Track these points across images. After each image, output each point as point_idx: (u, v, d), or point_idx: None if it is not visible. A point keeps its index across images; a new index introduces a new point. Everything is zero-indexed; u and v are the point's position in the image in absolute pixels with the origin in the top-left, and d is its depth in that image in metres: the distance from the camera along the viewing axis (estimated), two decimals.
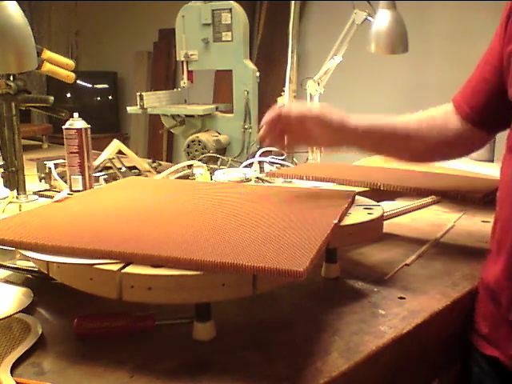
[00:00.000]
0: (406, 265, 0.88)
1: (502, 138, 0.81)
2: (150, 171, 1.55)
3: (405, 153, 0.92)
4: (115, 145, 1.53)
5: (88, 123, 1.20)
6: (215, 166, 1.53)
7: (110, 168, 1.47)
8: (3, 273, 0.80)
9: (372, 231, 0.81)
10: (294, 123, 0.85)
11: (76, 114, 1.20)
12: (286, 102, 1.82)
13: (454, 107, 0.88)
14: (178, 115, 1.88)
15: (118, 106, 4.75)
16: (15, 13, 0.98)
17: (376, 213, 0.81)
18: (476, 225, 1.10)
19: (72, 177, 1.20)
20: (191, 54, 1.84)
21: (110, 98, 4.78)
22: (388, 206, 1.14)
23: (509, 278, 0.72)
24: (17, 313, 0.67)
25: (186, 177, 1.40)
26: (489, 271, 0.77)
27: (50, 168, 1.38)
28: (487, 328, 0.76)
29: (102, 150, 1.53)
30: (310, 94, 1.70)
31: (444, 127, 0.88)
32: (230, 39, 1.80)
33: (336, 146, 0.89)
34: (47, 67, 1.30)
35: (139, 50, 4.54)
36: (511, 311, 0.71)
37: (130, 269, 0.58)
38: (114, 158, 1.49)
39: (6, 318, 0.66)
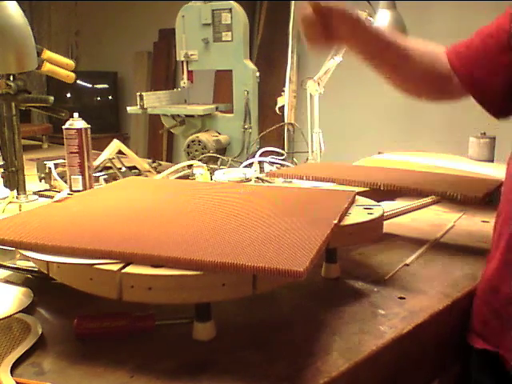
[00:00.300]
0: (406, 265, 0.88)
1: (502, 137, 0.81)
2: (150, 171, 1.55)
3: (400, 74, 0.91)
4: (115, 145, 1.53)
5: (88, 123, 1.20)
6: (215, 166, 1.53)
7: (110, 168, 1.46)
8: (3, 273, 0.80)
9: (372, 231, 0.81)
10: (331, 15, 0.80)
11: (76, 114, 1.20)
12: (286, 103, 1.83)
13: (449, 64, 0.86)
14: (178, 115, 1.88)
15: (118, 106, 4.75)
16: (15, 13, 0.98)
17: (376, 213, 0.81)
18: (476, 225, 1.10)
19: (72, 177, 1.20)
20: (191, 54, 1.84)
21: (110, 97, 4.78)
22: (388, 205, 1.14)
23: (506, 267, 0.72)
24: (17, 313, 0.67)
25: (186, 177, 1.40)
26: (489, 265, 0.77)
27: (50, 168, 1.38)
28: (481, 323, 0.76)
29: (102, 150, 1.53)
30: (310, 94, 1.70)
31: (442, 67, 0.87)
32: (230, 39, 1.80)
33: (350, 43, 0.86)
34: (47, 67, 1.30)
35: (139, 50, 4.54)
36: (508, 301, 0.72)
37: (130, 269, 0.58)
38: (114, 158, 1.49)
39: (5, 317, 0.66)
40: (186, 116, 1.87)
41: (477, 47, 0.84)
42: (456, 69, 0.85)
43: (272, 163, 1.52)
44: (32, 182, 1.40)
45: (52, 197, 1.27)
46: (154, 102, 1.91)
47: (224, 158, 1.64)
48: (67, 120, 1.20)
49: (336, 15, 0.81)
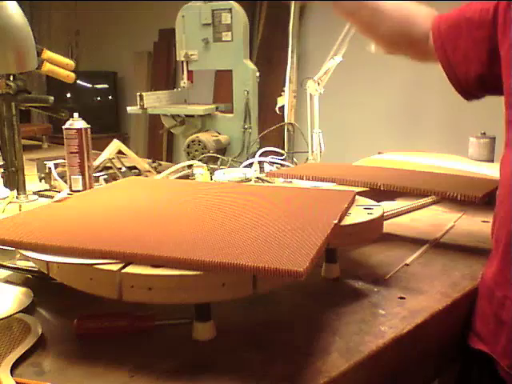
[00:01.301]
0: (406, 265, 0.88)
1: (502, 137, 0.81)
2: (149, 171, 1.55)
3: (372, 32, 0.94)
4: (115, 145, 1.53)
5: (88, 123, 1.20)
6: (215, 166, 1.53)
7: (110, 168, 1.47)
8: (3, 273, 0.80)
9: (372, 231, 0.81)
10: None
11: (76, 114, 1.20)
12: (286, 103, 1.83)
13: (431, 35, 0.87)
14: (178, 115, 1.88)
15: (118, 105, 4.75)
16: (15, 13, 0.98)
17: (376, 213, 0.81)
18: (476, 225, 1.10)
19: (72, 177, 1.20)
20: (191, 54, 1.84)
21: (110, 97, 4.78)
22: (388, 206, 1.14)
23: (504, 273, 0.72)
24: (17, 313, 0.67)
25: (186, 177, 1.40)
26: (488, 267, 0.77)
27: (49, 168, 1.38)
28: (479, 324, 0.76)
29: (102, 150, 1.53)
30: (310, 94, 1.70)
31: (419, 28, 0.88)
32: (229, 39, 1.80)
33: None
34: (47, 67, 1.30)
35: (139, 50, 4.54)
36: (501, 305, 0.72)
37: (130, 269, 0.58)
38: (114, 158, 1.49)
39: (6, 318, 0.66)
40: (186, 116, 1.87)
41: (456, 22, 0.83)
42: (435, 46, 0.86)
43: (272, 163, 1.52)
44: (32, 182, 1.40)
45: (52, 197, 1.27)
46: (154, 102, 1.91)
47: (224, 157, 1.64)
48: (67, 120, 1.20)
49: None
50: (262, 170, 1.49)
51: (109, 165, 1.47)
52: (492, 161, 1.61)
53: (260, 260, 0.57)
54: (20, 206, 1.21)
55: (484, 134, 1.64)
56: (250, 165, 1.50)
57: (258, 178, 1.36)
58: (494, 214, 0.79)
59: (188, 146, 1.77)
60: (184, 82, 1.89)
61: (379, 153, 1.80)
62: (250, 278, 0.57)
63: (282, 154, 1.57)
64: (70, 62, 1.36)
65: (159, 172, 1.52)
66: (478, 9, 0.80)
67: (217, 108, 1.90)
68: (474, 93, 0.85)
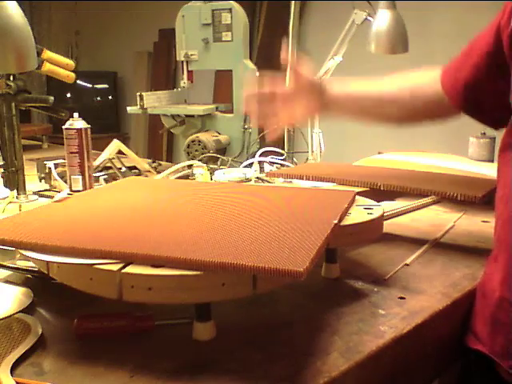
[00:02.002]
0: (406, 265, 0.88)
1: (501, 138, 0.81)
2: (149, 171, 1.55)
3: (387, 119, 0.97)
4: (115, 145, 1.53)
5: (88, 123, 1.20)
6: (215, 166, 1.53)
7: (110, 168, 1.47)
8: (3, 273, 0.80)
9: (372, 231, 0.81)
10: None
11: (76, 114, 1.20)
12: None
13: (443, 90, 0.87)
14: (178, 115, 1.88)
15: (118, 105, 4.75)
16: (15, 13, 0.98)
17: (376, 213, 0.81)
18: (476, 225, 1.10)
19: (72, 177, 1.20)
20: (191, 54, 1.84)
21: (110, 97, 4.79)
22: (388, 206, 1.14)
23: (503, 274, 0.72)
24: (17, 313, 0.67)
25: (185, 177, 1.40)
26: (488, 268, 0.77)
27: (49, 168, 1.38)
28: (478, 325, 0.76)
29: (102, 150, 1.53)
30: None
31: (428, 98, 0.89)
32: (229, 39, 1.80)
33: (319, 113, 0.95)
34: (47, 67, 1.30)
35: (139, 50, 4.54)
36: (499, 305, 0.72)
37: (130, 269, 0.58)
38: (114, 158, 1.49)
39: (5, 318, 0.66)
40: (186, 116, 1.87)
41: (471, 73, 0.83)
42: (452, 99, 0.87)
43: (272, 163, 1.52)
44: (32, 182, 1.40)
45: (52, 197, 1.27)
46: (154, 102, 1.91)
47: (224, 158, 1.64)
48: (67, 120, 1.20)
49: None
50: (262, 170, 1.49)
51: (109, 165, 1.47)
52: (492, 161, 1.62)
53: (260, 260, 0.57)
54: (20, 206, 1.21)
55: (484, 134, 1.64)
56: (250, 165, 1.50)
57: (258, 177, 1.36)
58: (495, 214, 0.78)
59: (188, 146, 1.76)
60: (184, 81, 1.89)
61: (379, 153, 1.80)
62: (250, 278, 0.57)
63: (282, 154, 1.57)
64: (70, 62, 1.36)
65: (159, 172, 1.52)
66: (482, 45, 0.80)
67: (217, 108, 1.90)
68: (499, 118, 0.85)
